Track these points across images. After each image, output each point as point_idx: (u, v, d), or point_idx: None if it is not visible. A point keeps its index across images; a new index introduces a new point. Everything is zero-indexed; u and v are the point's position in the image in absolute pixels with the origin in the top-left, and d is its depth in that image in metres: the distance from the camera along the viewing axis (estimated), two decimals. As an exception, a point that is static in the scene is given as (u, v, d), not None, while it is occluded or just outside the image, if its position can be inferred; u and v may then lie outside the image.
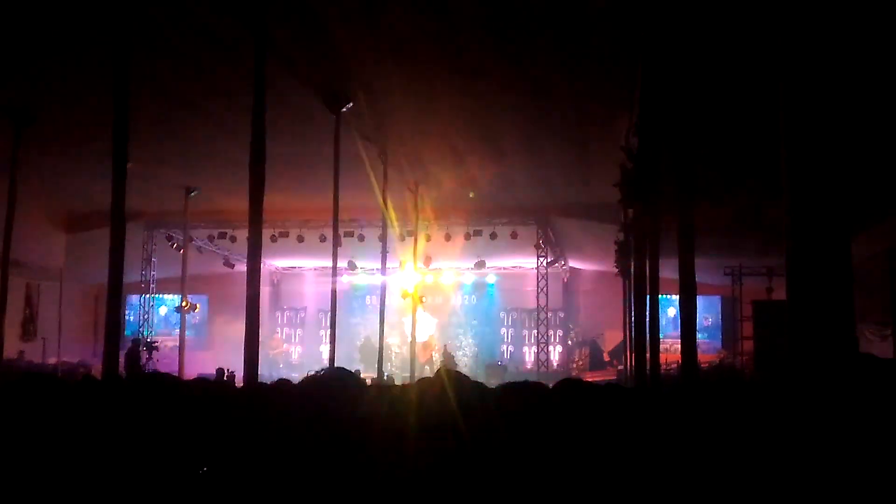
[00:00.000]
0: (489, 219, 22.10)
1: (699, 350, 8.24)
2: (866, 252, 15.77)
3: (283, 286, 31.45)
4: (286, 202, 19.17)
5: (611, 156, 13.16)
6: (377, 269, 20.34)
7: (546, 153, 16.64)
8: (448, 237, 22.41)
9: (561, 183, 19.06)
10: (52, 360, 22.30)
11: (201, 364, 23.70)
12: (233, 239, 22.51)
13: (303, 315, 30.71)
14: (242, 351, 8.61)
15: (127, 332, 24.50)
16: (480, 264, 26.03)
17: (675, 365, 15.63)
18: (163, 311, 27.75)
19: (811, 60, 4.83)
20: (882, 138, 10.70)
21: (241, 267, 20.94)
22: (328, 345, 15.32)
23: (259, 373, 9.37)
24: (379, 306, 17.85)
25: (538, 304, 24.62)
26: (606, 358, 26.12)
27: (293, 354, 30.23)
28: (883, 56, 8.54)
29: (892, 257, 15.96)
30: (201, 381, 4.46)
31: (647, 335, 10.17)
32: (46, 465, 2.36)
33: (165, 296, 27.36)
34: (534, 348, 26.05)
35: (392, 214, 18.33)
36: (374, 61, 11.96)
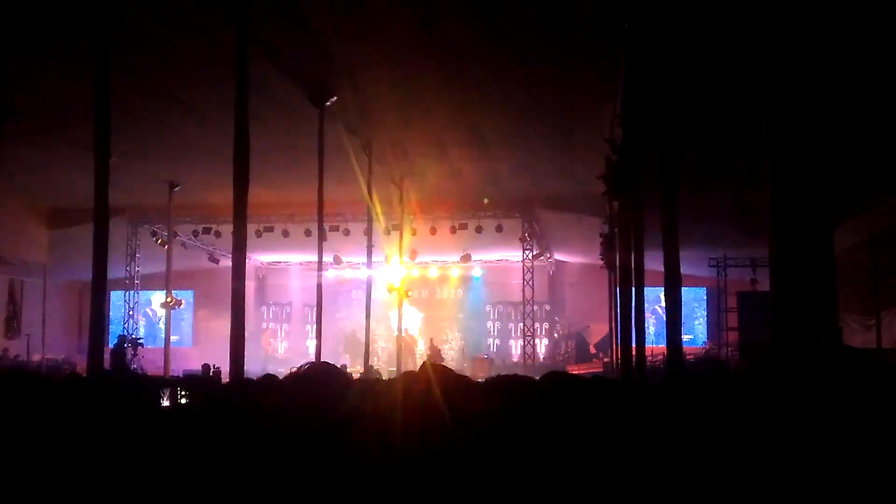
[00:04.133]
0: (474, 212, 22.11)
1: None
2: (849, 242, 15.89)
3: (268, 281, 31.36)
4: (271, 197, 19.11)
5: (595, 148, 13.18)
6: (363, 263, 20.31)
7: (531, 145, 16.65)
8: (433, 231, 22.41)
9: (546, 175, 19.07)
10: (36, 357, 22.19)
11: (187, 360, 23.64)
12: (217, 234, 22.41)
13: (288, 310, 30.67)
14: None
15: (111, 329, 24.35)
16: (466, 258, 26.06)
17: (661, 357, 15.71)
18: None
19: (792, 53, 4.86)
20: (864, 128, 10.77)
21: (227, 262, 20.90)
22: (314, 340, 15.30)
23: (249, 369, 9.35)
24: (365, 301, 17.83)
25: (524, 297, 24.67)
26: (592, 350, 26.19)
27: (279, 349, 30.21)
28: (864, 49, 8.59)
29: (874, 247, 16.07)
30: (187, 377, 4.44)
31: (633, 327, 10.20)
32: (31, 464, 2.35)
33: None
34: (520, 341, 26.11)
35: (378, 208, 18.31)
36: (357, 54, 11.93)
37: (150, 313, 27.87)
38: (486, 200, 20.66)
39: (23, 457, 2.35)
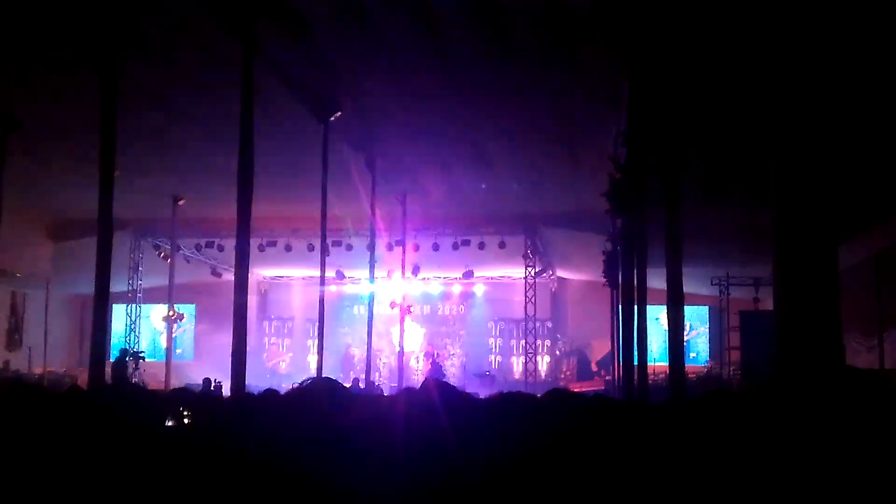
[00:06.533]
0: (477, 228, 22.10)
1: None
2: (852, 260, 15.84)
3: (270, 295, 31.30)
4: (274, 211, 19.12)
5: (599, 165, 13.19)
6: (365, 278, 20.30)
7: (534, 163, 16.68)
8: (436, 247, 22.39)
9: (549, 192, 19.09)
10: (38, 370, 22.13)
11: (189, 374, 23.58)
12: (220, 248, 22.43)
13: (290, 325, 30.59)
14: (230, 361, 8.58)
15: (113, 342, 24.29)
16: (468, 274, 26.02)
17: (663, 375, 15.65)
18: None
19: (798, 72, 4.87)
20: (867, 147, 10.77)
21: (229, 276, 20.89)
22: (316, 355, 15.27)
23: (251, 383, 9.32)
24: (367, 316, 17.79)
25: (526, 314, 24.62)
26: (594, 368, 26.12)
27: (281, 365, 30.12)
28: (868, 69, 8.60)
29: (878, 265, 16.02)
30: (186, 392, 4.43)
31: (635, 345, 10.18)
32: (31, 479, 2.34)
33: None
34: (522, 358, 26.03)
35: (380, 224, 18.33)
36: (362, 71, 11.98)
37: (152, 327, 27.82)
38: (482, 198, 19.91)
39: (21, 471, 2.34)
